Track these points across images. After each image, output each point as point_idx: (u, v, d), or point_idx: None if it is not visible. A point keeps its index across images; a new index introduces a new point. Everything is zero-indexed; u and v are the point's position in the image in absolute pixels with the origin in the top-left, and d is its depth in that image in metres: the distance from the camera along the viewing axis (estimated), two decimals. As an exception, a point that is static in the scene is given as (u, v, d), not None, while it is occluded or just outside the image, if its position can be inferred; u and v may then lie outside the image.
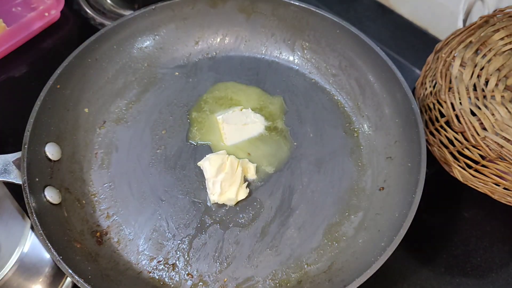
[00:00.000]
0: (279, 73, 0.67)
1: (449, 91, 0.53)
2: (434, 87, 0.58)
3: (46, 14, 0.73)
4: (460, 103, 0.51)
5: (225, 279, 0.51)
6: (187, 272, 0.51)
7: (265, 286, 0.51)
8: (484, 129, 0.50)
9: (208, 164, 0.55)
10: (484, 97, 0.52)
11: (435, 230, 0.59)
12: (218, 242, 0.53)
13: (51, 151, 0.55)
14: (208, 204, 0.55)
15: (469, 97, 0.52)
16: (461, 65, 0.54)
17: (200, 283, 0.51)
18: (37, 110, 0.53)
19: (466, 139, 0.52)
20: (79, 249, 0.50)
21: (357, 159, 0.59)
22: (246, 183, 0.57)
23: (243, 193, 0.55)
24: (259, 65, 0.68)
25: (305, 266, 0.52)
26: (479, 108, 0.51)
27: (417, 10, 0.79)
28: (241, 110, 0.62)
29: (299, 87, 0.66)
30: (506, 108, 0.51)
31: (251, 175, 0.57)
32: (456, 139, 0.53)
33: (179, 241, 0.53)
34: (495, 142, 0.48)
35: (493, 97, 0.52)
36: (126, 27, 0.63)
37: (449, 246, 0.58)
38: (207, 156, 0.56)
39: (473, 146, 0.51)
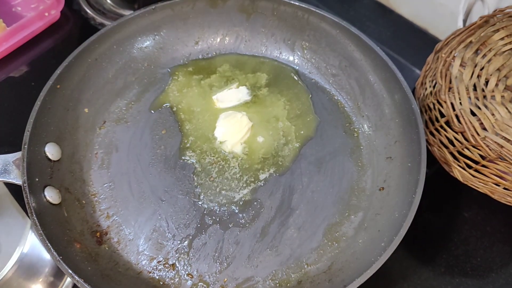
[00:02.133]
0: (279, 73, 0.67)
1: (449, 91, 0.53)
2: (434, 87, 0.58)
3: (46, 14, 0.73)
4: (460, 103, 0.51)
5: (225, 279, 0.51)
6: (187, 272, 0.51)
7: (265, 286, 0.51)
8: (484, 129, 0.50)
9: (224, 116, 0.61)
10: (484, 97, 0.52)
11: (435, 230, 0.59)
12: (218, 242, 0.53)
13: (51, 151, 0.55)
14: (206, 205, 0.55)
15: (469, 97, 0.52)
16: (461, 65, 0.54)
17: (200, 283, 0.51)
18: (37, 110, 0.53)
19: (466, 139, 0.52)
20: (79, 249, 0.50)
21: (357, 159, 0.59)
22: (243, 145, 0.59)
23: (238, 148, 0.59)
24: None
25: (305, 266, 0.52)
26: (479, 108, 0.51)
27: (417, 10, 0.79)
28: (237, 87, 0.64)
29: (299, 87, 0.66)
30: (506, 108, 0.51)
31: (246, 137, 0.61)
32: (456, 139, 0.53)
33: (179, 241, 0.53)
34: (495, 142, 0.48)
35: (493, 97, 0.52)
36: (126, 27, 0.63)
37: (449, 246, 0.58)
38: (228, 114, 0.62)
39: (473, 146, 0.51)
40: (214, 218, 0.55)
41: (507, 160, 0.48)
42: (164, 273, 0.51)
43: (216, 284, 0.51)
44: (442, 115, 0.55)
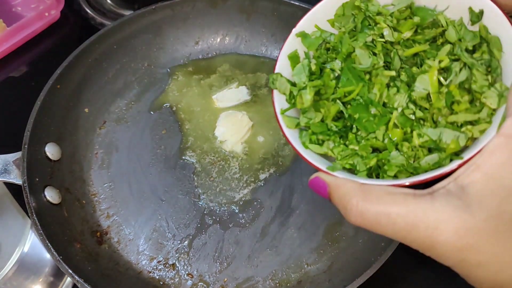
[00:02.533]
0: (279, 73, 0.67)
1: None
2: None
3: (46, 14, 0.73)
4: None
5: (225, 279, 0.51)
6: (187, 272, 0.51)
7: (265, 286, 0.51)
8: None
9: (224, 116, 0.61)
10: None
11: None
12: (218, 242, 0.53)
13: (51, 151, 0.55)
14: (206, 205, 0.56)
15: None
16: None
17: (200, 283, 0.51)
18: (37, 110, 0.53)
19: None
20: (79, 249, 0.50)
21: (357, 159, 0.59)
22: (243, 145, 0.59)
23: (239, 147, 0.59)
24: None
25: (305, 266, 0.52)
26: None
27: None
28: (237, 87, 0.64)
29: (299, 87, 0.66)
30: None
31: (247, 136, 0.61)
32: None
33: (179, 241, 0.53)
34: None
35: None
36: (126, 27, 0.63)
37: (449, 246, 0.58)
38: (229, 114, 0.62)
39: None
40: (214, 218, 0.55)
41: None
42: (164, 273, 0.51)
43: (216, 284, 0.51)
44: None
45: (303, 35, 0.39)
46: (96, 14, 0.77)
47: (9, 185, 0.54)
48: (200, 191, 0.56)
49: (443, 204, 0.26)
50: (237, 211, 0.55)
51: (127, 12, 0.77)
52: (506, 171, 0.25)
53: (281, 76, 0.38)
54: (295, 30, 0.39)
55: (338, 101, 0.35)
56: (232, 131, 0.60)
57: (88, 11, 0.78)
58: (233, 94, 0.63)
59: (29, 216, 0.48)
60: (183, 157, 0.59)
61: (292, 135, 0.36)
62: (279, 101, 0.38)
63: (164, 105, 0.63)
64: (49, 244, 0.46)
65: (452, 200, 0.26)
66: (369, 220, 0.28)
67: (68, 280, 0.53)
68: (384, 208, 0.28)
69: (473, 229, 0.25)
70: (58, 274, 0.53)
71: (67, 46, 0.72)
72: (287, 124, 0.36)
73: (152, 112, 0.63)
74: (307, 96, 0.35)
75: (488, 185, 0.25)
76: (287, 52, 0.39)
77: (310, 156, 0.34)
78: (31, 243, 0.52)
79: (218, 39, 0.68)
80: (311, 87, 0.35)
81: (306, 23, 0.39)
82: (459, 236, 0.25)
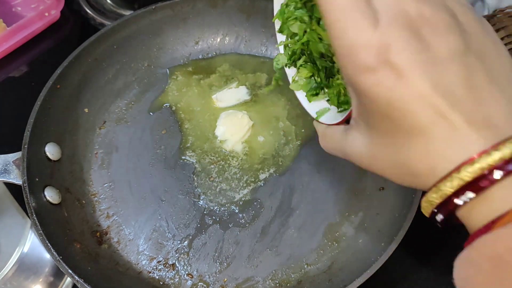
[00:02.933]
0: (279, 73, 0.67)
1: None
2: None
3: (46, 14, 0.73)
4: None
5: (225, 279, 0.51)
6: (187, 272, 0.51)
7: (265, 286, 0.51)
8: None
9: (224, 115, 0.61)
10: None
11: (435, 230, 0.59)
12: (218, 242, 0.53)
13: (51, 151, 0.55)
14: (206, 205, 0.56)
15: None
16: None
17: (200, 283, 0.51)
18: (37, 110, 0.53)
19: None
20: (79, 249, 0.50)
21: (357, 159, 0.59)
22: (243, 145, 0.59)
23: (239, 147, 0.59)
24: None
25: (305, 266, 0.52)
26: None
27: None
28: (237, 87, 0.64)
29: (299, 87, 0.66)
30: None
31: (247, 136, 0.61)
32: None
33: (179, 241, 0.53)
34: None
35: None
36: (126, 27, 0.63)
37: (449, 246, 0.58)
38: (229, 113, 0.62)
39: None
40: (214, 218, 0.55)
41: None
42: (164, 273, 0.51)
43: (216, 284, 0.51)
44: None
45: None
46: (96, 14, 0.77)
47: (9, 185, 0.54)
48: (200, 191, 0.56)
49: (350, 135, 0.33)
50: (237, 211, 0.55)
51: (127, 12, 0.77)
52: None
53: (281, 54, 0.44)
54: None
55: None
56: (232, 130, 0.60)
57: (88, 11, 0.78)
58: (233, 94, 0.63)
59: (29, 216, 0.48)
60: (183, 157, 0.59)
61: (302, 97, 0.43)
62: (291, 75, 0.45)
63: (164, 105, 0.63)
64: (49, 244, 0.46)
65: (353, 131, 0.33)
66: (330, 152, 0.38)
67: (68, 280, 0.53)
68: (329, 145, 0.37)
69: (368, 147, 0.32)
70: (58, 274, 0.53)
71: (67, 46, 0.73)
72: (295, 87, 0.44)
73: (152, 112, 0.63)
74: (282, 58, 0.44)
75: (364, 111, 0.31)
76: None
77: (310, 106, 0.42)
78: (31, 243, 0.52)
79: (218, 39, 0.68)
80: (281, 46, 0.44)
81: None
82: (364, 156, 0.33)
